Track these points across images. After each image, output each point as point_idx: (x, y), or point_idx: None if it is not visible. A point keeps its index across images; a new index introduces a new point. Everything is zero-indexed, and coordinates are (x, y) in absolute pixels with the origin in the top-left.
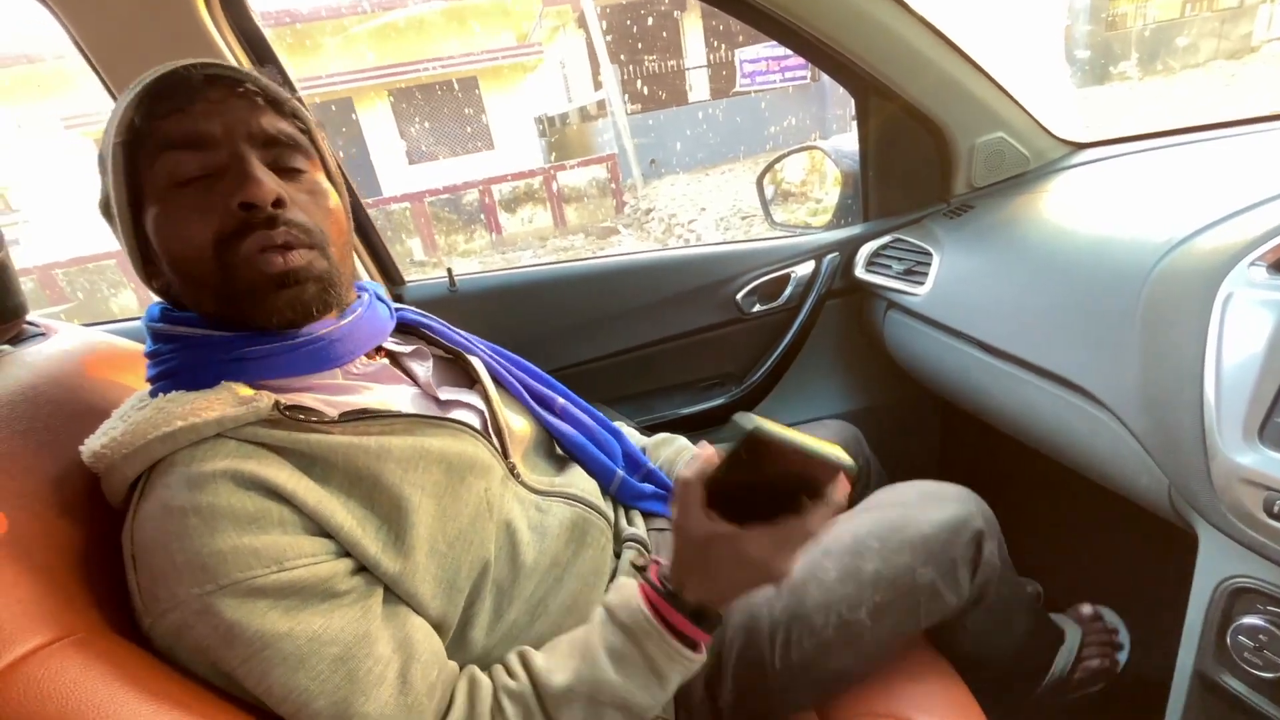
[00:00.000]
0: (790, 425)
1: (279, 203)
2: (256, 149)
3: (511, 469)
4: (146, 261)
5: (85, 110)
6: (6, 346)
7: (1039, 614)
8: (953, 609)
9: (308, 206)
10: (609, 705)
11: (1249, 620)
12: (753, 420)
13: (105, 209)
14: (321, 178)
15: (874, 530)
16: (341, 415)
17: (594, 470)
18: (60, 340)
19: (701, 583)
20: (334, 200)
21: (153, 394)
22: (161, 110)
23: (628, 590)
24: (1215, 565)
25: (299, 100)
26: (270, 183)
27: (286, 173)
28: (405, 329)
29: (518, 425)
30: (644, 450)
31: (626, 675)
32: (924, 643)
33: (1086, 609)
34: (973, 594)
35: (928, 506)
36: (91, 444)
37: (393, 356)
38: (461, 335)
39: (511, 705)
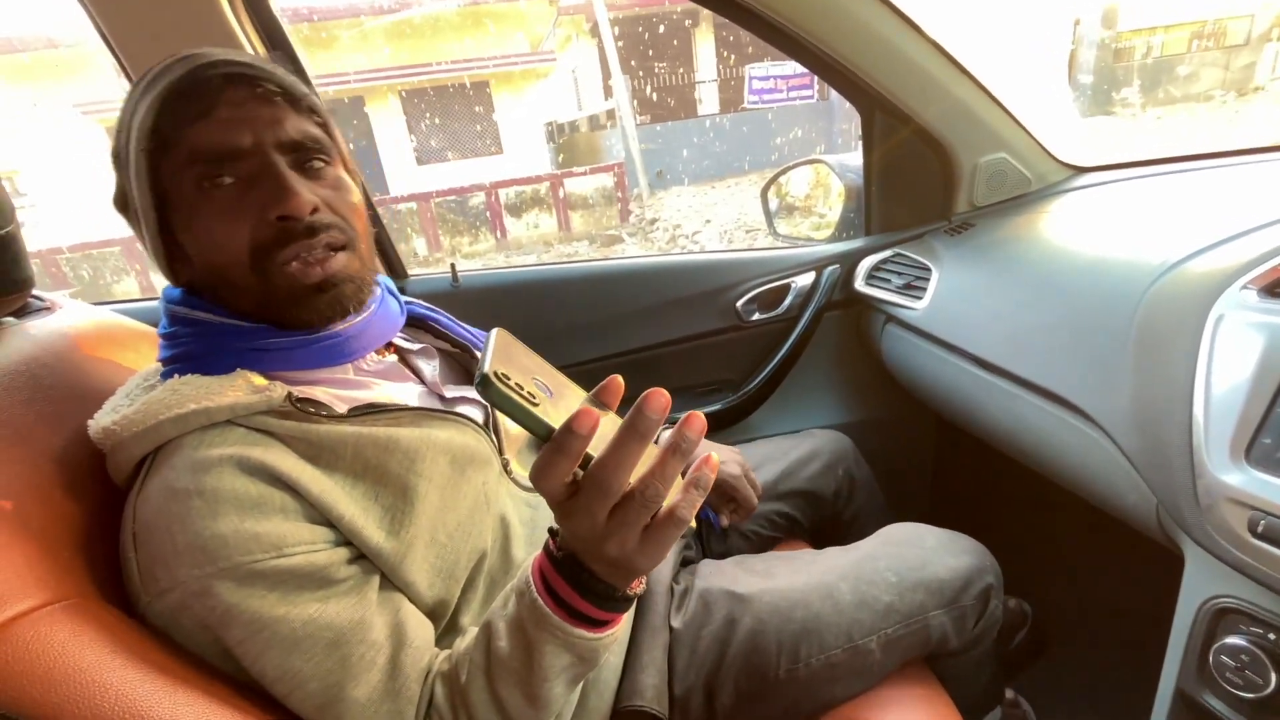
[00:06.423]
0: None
1: (315, 210)
2: (285, 155)
3: (505, 465)
4: (172, 259)
5: (99, 97)
6: (11, 319)
7: (998, 673)
8: (948, 650)
9: (336, 203)
10: (502, 674)
11: (1231, 640)
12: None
13: (122, 205)
14: (343, 172)
15: (892, 565)
16: (350, 410)
17: None
18: (65, 316)
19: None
20: (356, 194)
21: (165, 375)
22: (184, 116)
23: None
24: (1200, 585)
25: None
26: (306, 193)
27: (312, 172)
28: (413, 323)
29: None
30: None
31: (510, 640)
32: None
33: (1009, 694)
34: (969, 641)
35: (945, 554)
36: (101, 420)
37: (400, 353)
38: (468, 330)
39: (441, 685)
